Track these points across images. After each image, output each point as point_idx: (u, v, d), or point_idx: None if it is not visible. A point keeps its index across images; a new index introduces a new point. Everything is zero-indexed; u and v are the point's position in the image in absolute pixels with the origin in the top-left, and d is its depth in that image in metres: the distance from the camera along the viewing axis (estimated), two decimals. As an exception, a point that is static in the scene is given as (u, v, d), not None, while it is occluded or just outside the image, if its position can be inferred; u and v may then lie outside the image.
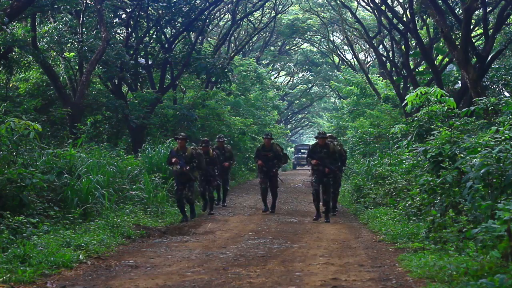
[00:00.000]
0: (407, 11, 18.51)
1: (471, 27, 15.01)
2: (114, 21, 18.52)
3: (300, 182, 23.14)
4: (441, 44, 19.24)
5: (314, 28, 33.42)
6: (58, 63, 16.85)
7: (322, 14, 30.84)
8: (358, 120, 22.55)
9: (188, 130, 17.72)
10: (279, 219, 11.16)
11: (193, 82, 22.28)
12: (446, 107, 10.33)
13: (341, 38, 34.70)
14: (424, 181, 7.57)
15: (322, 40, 35.45)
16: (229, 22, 27.01)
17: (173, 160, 10.76)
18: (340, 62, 34.83)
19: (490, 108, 9.74)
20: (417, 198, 8.37)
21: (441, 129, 8.52)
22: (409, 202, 8.96)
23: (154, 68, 19.23)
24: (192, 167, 10.81)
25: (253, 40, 33.23)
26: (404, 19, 19.57)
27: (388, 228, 8.62)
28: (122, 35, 19.70)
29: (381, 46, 24.58)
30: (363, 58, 34.14)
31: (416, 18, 17.61)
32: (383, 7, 20.11)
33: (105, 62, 15.91)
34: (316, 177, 11.04)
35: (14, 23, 14.46)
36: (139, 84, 18.99)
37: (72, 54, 16.42)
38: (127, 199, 10.51)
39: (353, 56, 28.56)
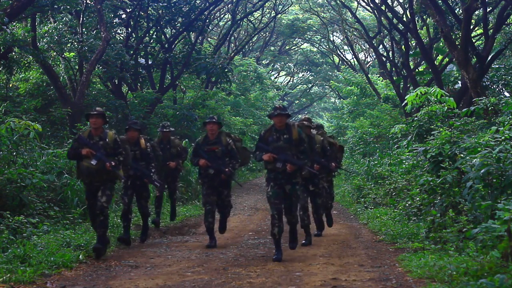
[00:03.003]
0: (407, 11, 18.50)
1: (471, 27, 15.00)
2: (114, 21, 18.51)
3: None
4: (441, 44, 19.24)
5: (314, 28, 33.39)
6: (58, 63, 16.83)
7: (322, 14, 30.81)
8: (358, 120, 22.56)
9: (188, 130, 17.72)
10: (279, 219, 11.14)
11: (193, 82, 22.27)
12: (446, 107, 10.33)
13: (341, 38, 34.67)
14: (424, 181, 7.57)
15: (322, 40, 35.41)
16: (229, 22, 26.99)
17: (84, 151, 6.61)
18: (340, 62, 34.80)
19: (490, 108, 9.74)
20: (417, 198, 8.38)
21: (441, 129, 8.52)
22: (409, 202, 8.97)
23: (154, 68, 19.23)
24: (118, 161, 6.82)
25: (253, 40, 33.21)
26: (404, 19, 19.57)
27: (388, 228, 8.62)
28: (122, 35, 19.70)
29: (381, 46, 24.56)
30: (363, 58, 34.12)
31: (416, 18, 17.60)
32: (383, 7, 20.11)
33: (105, 62, 15.93)
34: (272, 187, 6.54)
35: (14, 23, 14.44)
36: (139, 84, 18.99)
37: (72, 54, 16.41)
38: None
39: (353, 56, 28.56)
